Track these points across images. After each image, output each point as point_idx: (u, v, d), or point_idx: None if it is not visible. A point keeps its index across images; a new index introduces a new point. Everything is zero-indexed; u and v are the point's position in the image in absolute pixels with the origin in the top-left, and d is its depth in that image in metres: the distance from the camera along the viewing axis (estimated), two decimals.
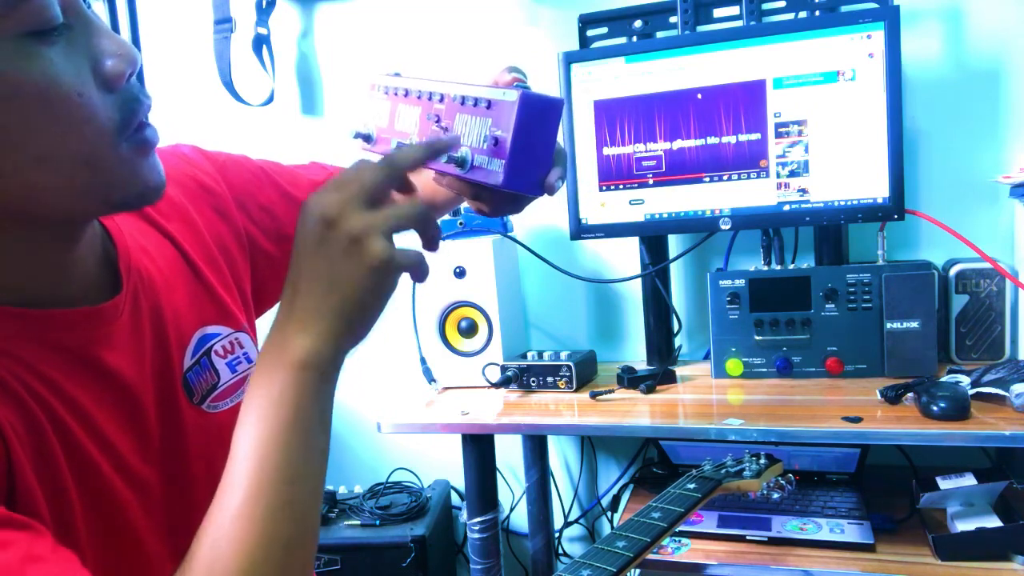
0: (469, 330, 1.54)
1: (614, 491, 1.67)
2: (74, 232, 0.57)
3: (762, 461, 1.11)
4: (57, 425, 0.55)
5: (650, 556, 1.22)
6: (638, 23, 1.51)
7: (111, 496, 0.59)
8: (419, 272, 0.56)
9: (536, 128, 0.56)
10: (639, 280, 1.56)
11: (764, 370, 1.37)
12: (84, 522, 0.56)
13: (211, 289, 0.72)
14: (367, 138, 0.72)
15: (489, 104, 0.57)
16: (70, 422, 0.56)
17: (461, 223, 1.56)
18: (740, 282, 1.37)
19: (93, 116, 0.50)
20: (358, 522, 1.59)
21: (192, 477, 0.66)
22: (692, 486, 1.04)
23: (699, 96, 1.38)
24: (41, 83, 0.48)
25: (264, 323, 0.81)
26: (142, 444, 0.62)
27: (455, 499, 1.79)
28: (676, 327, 1.58)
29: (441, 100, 0.64)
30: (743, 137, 1.37)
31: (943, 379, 1.20)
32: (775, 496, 1.12)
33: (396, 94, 0.69)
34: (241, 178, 0.81)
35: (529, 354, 1.50)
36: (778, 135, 1.35)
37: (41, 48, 0.48)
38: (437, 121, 0.63)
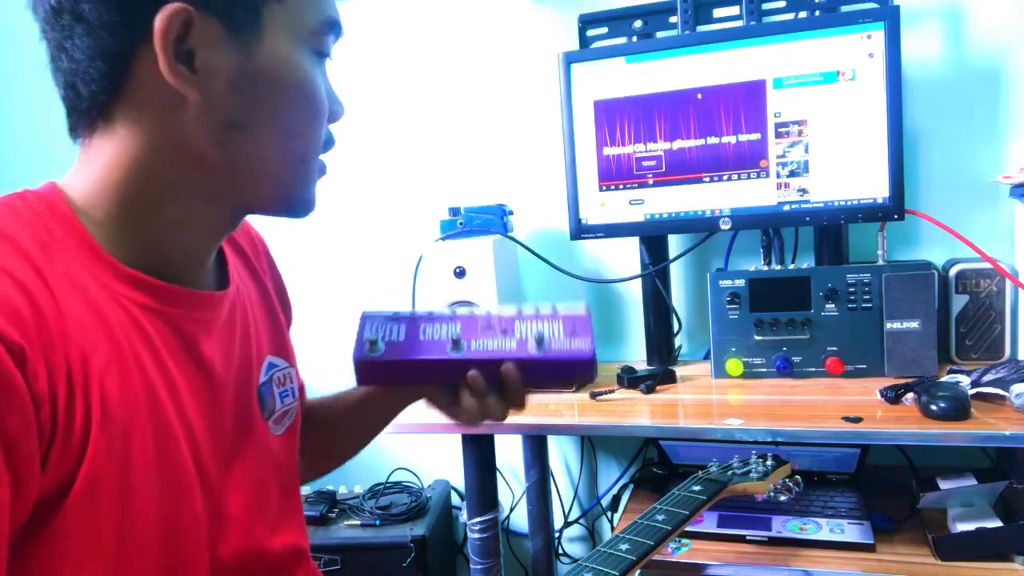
0: None
1: (614, 491, 1.67)
2: (235, 223, 0.68)
3: (769, 463, 1.10)
4: (153, 402, 0.59)
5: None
6: (638, 23, 1.51)
7: (183, 478, 0.61)
8: None
9: None
10: (639, 280, 1.56)
11: (764, 370, 1.37)
12: (157, 499, 0.59)
13: (278, 323, 0.80)
14: (373, 345, 0.74)
15: (554, 314, 0.74)
16: (165, 400, 0.60)
17: (461, 223, 1.55)
18: (740, 282, 1.37)
19: (323, 128, 0.66)
20: (358, 522, 1.59)
21: (233, 486, 0.67)
22: (697, 488, 1.03)
23: (699, 96, 1.38)
24: (312, 83, 0.63)
25: None
26: (215, 435, 0.66)
27: (455, 499, 1.79)
28: (676, 327, 1.58)
29: (489, 316, 0.75)
30: (743, 137, 1.36)
31: (943, 379, 1.20)
32: (782, 498, 1.11)
33: (413, 319, 0.76)
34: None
35: None
36: (778, 135, 1.35)
37: (317, 64, 0.65)
38: (489, 327, 0.74)
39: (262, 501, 0.71)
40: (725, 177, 1.39)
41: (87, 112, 0.60)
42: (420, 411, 1.41)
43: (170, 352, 0.61)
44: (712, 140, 1.38)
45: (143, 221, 0.61)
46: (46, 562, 0.52)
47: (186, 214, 0.62)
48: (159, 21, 0.55)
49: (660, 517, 0.94)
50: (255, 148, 0.61)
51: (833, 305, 1.32)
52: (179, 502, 0.60)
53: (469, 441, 1.37)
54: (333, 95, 0.68)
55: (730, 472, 1.09)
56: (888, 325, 1.28)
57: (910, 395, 1.16)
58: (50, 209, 0.58)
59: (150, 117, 0.59)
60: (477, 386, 0.74)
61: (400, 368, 0.74)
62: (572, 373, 0.73)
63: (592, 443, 1.73)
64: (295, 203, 0.66)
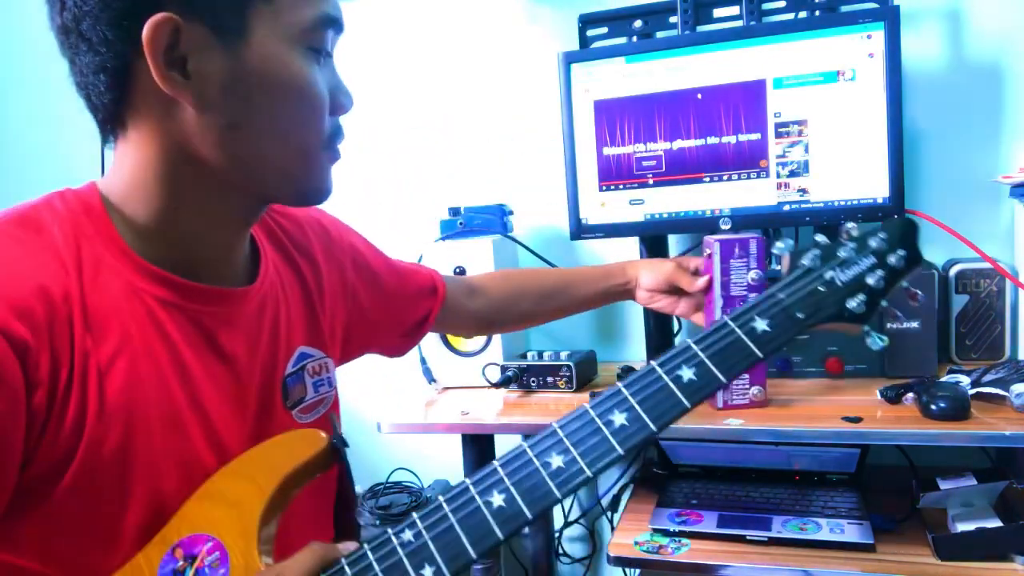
0: None
1: (614, 491, 1.67)
2: (257, 213, 0.72)
3: (899, 251, 0.68)
4: (163, 390, 0.64)
5: (650, 557, 1.22)
6: (638, 23, 1.51)
7: (194, 459, 0.66)
8: None
9: None
10: None
11: None
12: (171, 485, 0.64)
13: (316, 315, 0.83)
14: None
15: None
16: (175, 388, 0.65)
17: (461, 223, 1.56)
18: None
19: (323, 123, 0.67)
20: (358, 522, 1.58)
21: None
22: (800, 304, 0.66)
23: (699, 96, 1.38)
24: (305, 81, 0.65)
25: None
26: (238, 420, 0.71)
27: None
28: (676, 327, 1.58)
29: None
30: (743, 137, 1.36)
31: (943, 379, 1.20)
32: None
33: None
34: (357, 238, 0.98)
35: (529, 354, 1.50)
36: (778, 135, 1.35)
37: (313, 61, 0.66)
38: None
39: None
40: (725, 177, 1.39)
41: (103, 121, 0.66)
42: (420, 411, 1.42)
43: (188, 344, 0.66)
44: (712, 140, 1.38)
45: (164, 220, 0.66)
46: (43, 530, 0.57)
47: (203, 211, 0.67)
48: (146, 32, 0.59)
49: (687, 372, 0.60)
50: (254, 147, 0.65)
51: None
52: (191, 481, 0.64)
53: (469, 441, 1.37)
54: (342, 88, 0.70)
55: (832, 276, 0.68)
56: (888, 325, 1.28)
57: (910, 395, 1.16)
58: (85, 207, 0.64)
59: (155, 123, 0.63)
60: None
61: None
62: None
63: None
64: (306, 193, 0.71)
